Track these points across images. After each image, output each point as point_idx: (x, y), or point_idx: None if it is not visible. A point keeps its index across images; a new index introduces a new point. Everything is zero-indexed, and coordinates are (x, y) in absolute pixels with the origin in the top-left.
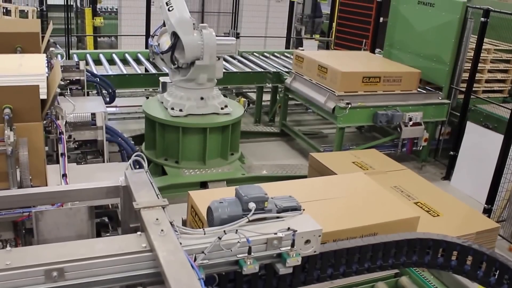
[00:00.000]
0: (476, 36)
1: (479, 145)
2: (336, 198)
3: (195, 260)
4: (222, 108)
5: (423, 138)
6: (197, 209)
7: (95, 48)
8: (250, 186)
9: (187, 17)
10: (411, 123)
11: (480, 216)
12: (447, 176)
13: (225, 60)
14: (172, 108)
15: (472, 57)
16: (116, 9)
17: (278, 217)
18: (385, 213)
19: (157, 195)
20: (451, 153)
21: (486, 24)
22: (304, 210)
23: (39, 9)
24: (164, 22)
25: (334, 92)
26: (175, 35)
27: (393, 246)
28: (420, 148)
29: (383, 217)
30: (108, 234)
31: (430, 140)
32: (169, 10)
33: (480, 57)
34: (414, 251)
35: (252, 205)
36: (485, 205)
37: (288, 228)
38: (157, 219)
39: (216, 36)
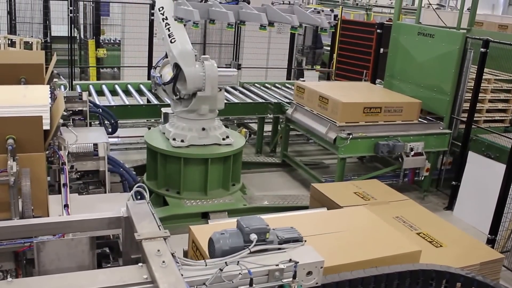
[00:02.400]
0: (476, 66)
1: (481, 175)
2: (337, 232)
3: None
4: (223, 139)
5: (425, 168)
6: (198, 243)
7: (98, 79)
8: (251, 217)
9: (189, 48)
10: (412, 153)
11: (483, 247)
12: (450, 206)
13: (226, 91)
14: (174, 139)
15: (472, 87)
16: (119, 40)
17: (279, 249)
18: (387, 247)
19: (158, 226)
20: (453, 183)
21: (486, 54)
22: (305, 241)
23: (43, 41)
24: (166, 53)
25: (335, 122)
26: (177, 67)
27: (395, 277)
28: (422, 178)
29: (384, 251)
30: (109, 265)
31: (432, 170)
32: (171, 42)
33: (481, 87)
34: (417, 282)
35: (253, 237)
36: (489, 236)
37: (290, 260)
38: (158, 251)
39: (218, 67)
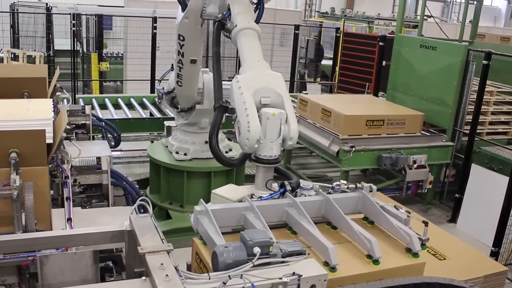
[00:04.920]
0: (479, 79)
1: (485, 187)
2: (340, 243)
3: None
4: (226, 152)
5: (428, 181)
6: (202, 255)
7: (101, 92)
8: (255, 230)
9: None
10: (415, 165)
11: (487, 259)
12: (453, 219)
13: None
14: (177, 152)
15: (475, 100)
16: (122, 54)
17: (283, 262)
18: (391, 260)
19: (162, 240)
20: (457, 195)
21: (488, 66)
22: (309, 254)
23: (46, 55)
24: (172, 66)
25: (338, 135)
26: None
27: None
28: (425, 191)
29: (388, 263)
30: (112, 279)
31: (435, 182)
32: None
33: (483, 99)
34: None
35: (257, 250)
36: (492, 248)
37: (293, 273)
38: (162, 264)
39: None
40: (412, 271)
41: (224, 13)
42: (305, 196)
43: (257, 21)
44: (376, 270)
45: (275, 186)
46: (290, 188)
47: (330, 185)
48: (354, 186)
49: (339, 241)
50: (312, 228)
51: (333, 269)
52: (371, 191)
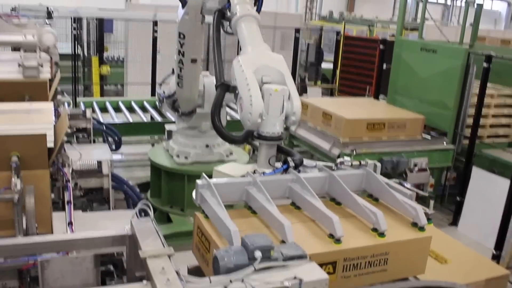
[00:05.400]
0: (479, 82)
1: (486, 190)
2: (345, 218)
3: None
4: (227, 156)
5: (429, 184)
6: (204, 229)
7: (102, 96)
8: (256, 234)
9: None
10: (416, 169)
11: (489, 263)
12: (454, 222)
13: (230, 107)
14: (178, 156)
15: (476, 103)
16: (123, 57)
17: (284, 266)
18: (396, 233)
19: (163, 244)
20: (458, 198)
21: (488, 69)
22: (310, 257)
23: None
24: (173, 69)
25: (338, 139)
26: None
27: None
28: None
29: (394, 237)
30: (113, 283)
31: (436, 186)
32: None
33: (484, 102)
34: None
35: (258, 254)
36: (494, 251)
37: (295, 277)
38: (163, 268)
39: None
40: (418, 245)
41: (225, 4)
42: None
43: (258, 11)
44: (381, 243)
45: (278, 165)
46: (294, 165)
47: (334, 164)
48: (358, 163)
49: (344, 215)
50: (316, 201)
51: (338, 241)
52: (375, 168)
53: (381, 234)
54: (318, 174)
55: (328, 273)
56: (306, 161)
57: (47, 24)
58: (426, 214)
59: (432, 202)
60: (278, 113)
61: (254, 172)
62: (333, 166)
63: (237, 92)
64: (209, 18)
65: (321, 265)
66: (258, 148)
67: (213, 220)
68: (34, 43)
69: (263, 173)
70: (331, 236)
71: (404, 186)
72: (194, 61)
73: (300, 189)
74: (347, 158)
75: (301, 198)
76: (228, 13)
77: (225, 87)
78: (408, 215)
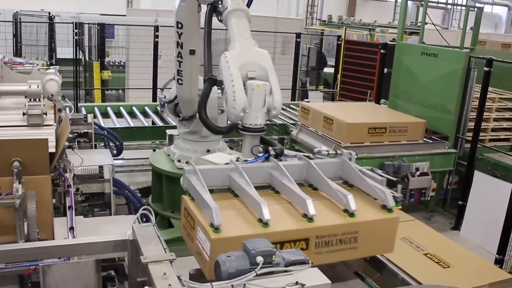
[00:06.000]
0: (480, 85)
1: (488, 194)
2: (320, 200)
3: None
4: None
5: (431, 188)
6: (189, 209)
7: (103, 101)
8: (257, 239)
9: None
10: (418, 173)
11: (492, 267)
12: (457, 226)
13: None
14: (179, 161)
15: (477, 106)
16: (124, 62)
17: (286, 271)
18: (366, 214)
19: (164, 249)
20: (460, 202)
21: (489, 73)
22: (312, 263)
23: (48, 63)
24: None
25: (340, 143)
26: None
27: None
28: (428, 198)
29: (363, 217)
30: None
31: (438, 190)
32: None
33: (485, 106)
34: None
35: (259, 259)
36: (497, 256)
37: (296, 282)
38: (164, 274)
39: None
40: (386, 225)
41: None
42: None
43: (248, 5)
44: (351, 222)
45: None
46: (274, 154)
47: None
48: (334, 152)
49: (318, 199)
50: (292, 185)
51: (310, 220)
52: (350, 157)
53: (351, 215)
54: (296, 162)
55: (302, 249)
56: (287, 151)
57: (51, 68)
58: (394, 197)
59: (399, 186)
60: (260, 106)
61: (237, 160)
62: (311, 155)
63: (222, 86)
64: (205, 8)
65: (294, 241)
66: (242, 139)
67: (197, 200)
68: (39, 92)
69: (245, 160)
70: (304, 215)
71: (375, 172)
72: (192, 52)
73: (279, 175)
74: (324, 148)
75: (280, 183)
76: (220, 7)
77: (212, 81)
78: (378, 198)
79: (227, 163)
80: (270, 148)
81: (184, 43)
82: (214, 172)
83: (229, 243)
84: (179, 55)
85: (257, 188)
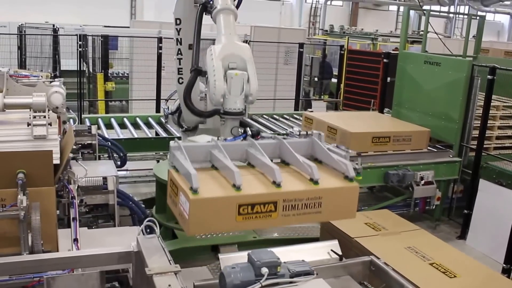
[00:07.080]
0: (484, 94)
1: (494, 203)
2: (289, 172)
3: None
4: None
5: (436, 197)
6: (174, 180)
7: (107, 112)
8: (262, 250)
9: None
10: (423, 182)
11: (499, 277)
12: (462, 235)
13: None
14: None
15: (481, 114)
16: (127, 74)
17: (291, 282)
18: (329, 182)
19: (169, 261)
20: (465, 211)
21: (493, 81)
22: (317, 274)
23: (52, 75)
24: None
25: None
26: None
27: None
28: (433, 207)
29: (326, 185)
30: None
31: (443, 198)
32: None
33: (489, 114)
34: None
35: (264, 270)
36: (504, 265)
37: None
38: (169, 285)
39: None
40: (347, 192)
41: None
42: None
43: (237, 7)
44: (315, 189)
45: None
46: (251, 134)
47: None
48: (305, 132)
49: (288, 171)
50: (264, 158)
51: (278, 185)
52: (320, 137)
53: (316, 182)
54: (270, 141)
55: (271, 211)
56: (264, 134)
57: (55, 81)
58: (355, 168)
59: (360, 159)
60: (239, 93)
61: (218, 138)
62: (284, 135)
63: (206, 76)
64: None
65: (264, 203)
66: (224, 123)
67: (180, 171)
68: (44, 104)
69: (225, 139)
70: (273, 182)
71: (340, 148)
72: (191, 47)
73: (254, 151)
74: (296, 129)
75: (254, 158)
76: (209, 6)
77: (198, 72)
78: (341, 170)
79: (208, 141)
80: (247, 128)
81: (183, 39)
82: (197, 148)
83: (206, 203)
84: (179, 52)
85: (235, 163)
